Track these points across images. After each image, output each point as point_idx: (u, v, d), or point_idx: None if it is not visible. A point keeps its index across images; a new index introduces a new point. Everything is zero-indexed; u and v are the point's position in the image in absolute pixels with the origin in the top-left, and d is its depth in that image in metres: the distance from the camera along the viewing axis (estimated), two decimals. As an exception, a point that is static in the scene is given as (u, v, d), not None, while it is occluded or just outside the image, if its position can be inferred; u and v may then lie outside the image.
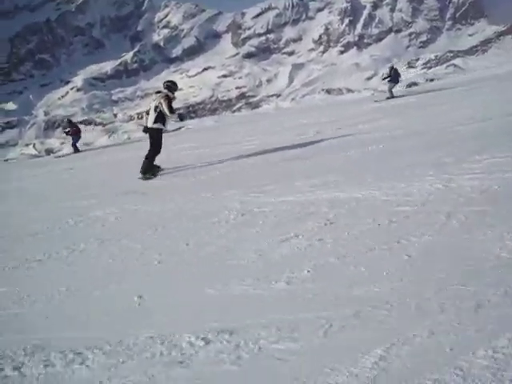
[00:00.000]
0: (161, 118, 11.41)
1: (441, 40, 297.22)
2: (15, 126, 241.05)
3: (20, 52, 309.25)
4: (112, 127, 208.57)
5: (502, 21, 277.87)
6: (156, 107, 11.39)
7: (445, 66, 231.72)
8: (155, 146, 11.61)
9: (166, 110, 11.24)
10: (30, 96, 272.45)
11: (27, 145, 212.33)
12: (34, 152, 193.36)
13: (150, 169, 11.52)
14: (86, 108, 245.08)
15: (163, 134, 12.00)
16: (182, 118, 12.51)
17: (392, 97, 29.19)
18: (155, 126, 11.51)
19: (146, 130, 11.83)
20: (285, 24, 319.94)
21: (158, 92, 11.80)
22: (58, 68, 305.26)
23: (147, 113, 11.76)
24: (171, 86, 11.89)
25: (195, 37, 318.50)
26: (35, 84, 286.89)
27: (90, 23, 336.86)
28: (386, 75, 31.91)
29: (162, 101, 11.33)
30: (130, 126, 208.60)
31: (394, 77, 30.74)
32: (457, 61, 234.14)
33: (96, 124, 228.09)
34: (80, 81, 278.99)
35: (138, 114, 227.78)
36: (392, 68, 31.83)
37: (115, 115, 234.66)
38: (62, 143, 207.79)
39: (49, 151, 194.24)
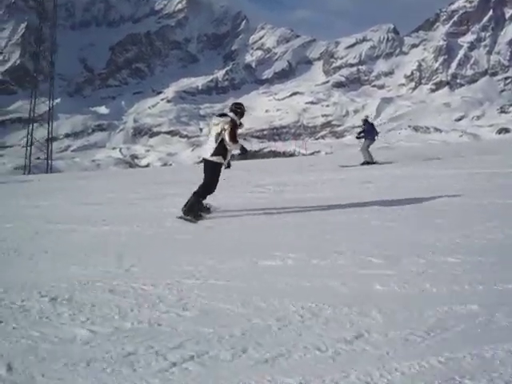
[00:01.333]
0: (222, 149, 9.16)
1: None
2: (105, 130, 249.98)
3: (118, 60, 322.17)
4: (196, 141, 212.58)
5: None
6: (218, 134, 9.14)
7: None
8: (209, 183, 9.29)
9: (228, 138, 9.05)
10: (122, 102, 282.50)
11: (114, 148, 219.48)
12: (120, 156, 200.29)
13: (194, 209, 9.19)
14: (173, 119, 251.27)
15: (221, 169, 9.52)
16: (244, 152, 9.64)
17: (370, 162, 22.13)
18: (214, 158, 9.22)
19: (203, 160, 9.58)
20: (377, 57, 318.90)
21: (223, 115, 9.40)
22: (152, 78, 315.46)
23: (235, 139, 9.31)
24: (238, 111, 9.50)
25: (287, 61, 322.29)
26: (128, 91, 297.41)
27: (187, 38, 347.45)
28: (361, 130, 23.59)
29: (225, 127, 9.06)
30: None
31: (368, 131, 23.01)
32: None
33: (181, 136, 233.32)
34: (171, 92, 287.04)
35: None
36: (366, 121, 23.68)
37: (201, 129, 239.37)
38: (147, 150, 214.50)
39: (133, 157, 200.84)
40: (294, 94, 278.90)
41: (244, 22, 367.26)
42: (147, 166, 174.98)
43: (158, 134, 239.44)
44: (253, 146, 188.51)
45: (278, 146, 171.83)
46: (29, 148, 72.66)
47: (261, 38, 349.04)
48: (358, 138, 23.77)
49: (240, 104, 9.76)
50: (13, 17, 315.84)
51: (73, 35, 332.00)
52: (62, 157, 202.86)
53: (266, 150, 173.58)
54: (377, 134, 23.42)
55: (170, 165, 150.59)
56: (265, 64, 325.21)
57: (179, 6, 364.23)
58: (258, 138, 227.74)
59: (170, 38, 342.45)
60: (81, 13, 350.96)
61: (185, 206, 9.13)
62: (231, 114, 9.30)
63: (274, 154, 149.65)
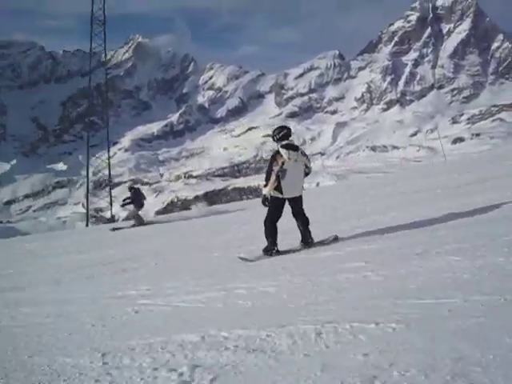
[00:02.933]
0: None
1: (484, 94, 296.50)
2: (65, 186, 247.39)
3: (71, 115, 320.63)
4: (158, 187, 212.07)
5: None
6: (305, 173, 8.87)
7: (490, 120, 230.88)
8: (304, 213, 8.97)
9: (311, 170, 9.07)
10: (79, 157, 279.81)
11: (76, 204, 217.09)
12: (83, 211, 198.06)
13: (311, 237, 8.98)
14: (133, 168, 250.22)
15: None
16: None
17: (139, 224, 22.70)
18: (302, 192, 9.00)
19: (289, 199, 8.88)
20: (327, 83, 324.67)
21: (293, 148, 8.72)
22: (106, 130, 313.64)
23: (267, 177, 8.69)
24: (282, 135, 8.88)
25: (239, 97, 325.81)
26: (84, 145, 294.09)
27: (137, 86, 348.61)
28: (127, 197, 23.68)
29: (306, 161, 8.87)
30: (177, 185, 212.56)
31: (135, 199, 23.26)
32: (502, 115, 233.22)
33: (143, 183, 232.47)
34: (127, 141, 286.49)
35: (185, 173, 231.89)
36: (132, 188, 23.96)
37: (161, 175, 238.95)
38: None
39: (97, 210, 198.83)
40: (250, 129, 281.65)
41: (192, 63, 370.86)
42: (112, 217, 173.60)
43: (119, 184, 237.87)
44: (217, 185, 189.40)
45: (242, 181, 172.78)
46: None
47: (211, 78, 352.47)
48: (122, 205, 24.13)
49: (280, 128, 9.04)
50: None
51: (22, 95, 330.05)
52: (24, 218, 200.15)
53: (229, 188, 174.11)
54: (144, 199, 24.02)
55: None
56: (217, 103, 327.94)
57: (126, 55, 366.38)
58: (219, 176, 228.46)
59: (120, 88, 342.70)
60: (28, 71, 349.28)
61: (309, 236, 8.91)
62: (295, 143, 8.96)
63: (239, 191, 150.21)
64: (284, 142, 8.66)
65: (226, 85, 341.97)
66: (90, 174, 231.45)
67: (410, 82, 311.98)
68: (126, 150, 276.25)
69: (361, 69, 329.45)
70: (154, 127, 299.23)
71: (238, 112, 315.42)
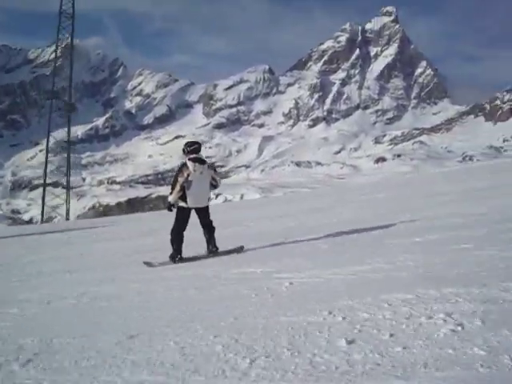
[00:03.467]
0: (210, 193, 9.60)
1: (407, 117, 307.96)
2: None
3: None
4: (80, 191, 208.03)
5: (464, 101, 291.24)
6: (210, 183, 9.32)
7: (411, 142, 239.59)
8: (210, 222, 9.51)
9: (219, 183, 9.49)
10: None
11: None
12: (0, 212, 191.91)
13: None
14: (54, 170, 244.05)
15: None
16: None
17: None
18: (209, 203, 9.67)
19: (192, 208, 9.37)
20: (256, 97, 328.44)
21: (200, 161, 9.18)
22: (29, 129, 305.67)
23: (172, 186, 9.22)
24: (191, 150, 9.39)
25: (167, 105, 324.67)
26: (4, 144, 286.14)
27: (64, 87, 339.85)
28: None
29: (213, 174, 9.36)
30: (100, 190, 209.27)
31: None
32: (423, 137, 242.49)
33: (63, 187, 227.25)
34: (50, 143, 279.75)
35: (108, 178, 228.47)
36: None
37: (84, 179, 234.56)
38: (29, 204, 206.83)
39: (15, 212, 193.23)
40: (176, 137, 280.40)
41: (121, 68, 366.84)
42: (30, 220, 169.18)
43: (38, 186, 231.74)
44: (140, 192, 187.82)
45: (166, 190, 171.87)
46: None
47: (139, 84, 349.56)
48: None
49: (191, 143, 9.45)
50: None
51: None
52: None
53: (153, 196, 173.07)
54: None
55: (55, 217, 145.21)
56: (145, 109, 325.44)
57: (54, 54, 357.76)
58: (143, 183, 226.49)
59: (45, 87, 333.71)
60: None
61: (214, 245, 9.40)
62: (203, 158, 9.36)
63: (163, 199, 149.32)
64: (192, 156, 9.05)
65: (154, 92, 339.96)
66: (9, 176, 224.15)
67: (336, 101, 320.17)
68: (49, 152, 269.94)
69: (290, 85, 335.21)
70: (79, 130, 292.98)
71: (165, 120, 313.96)
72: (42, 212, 69.21)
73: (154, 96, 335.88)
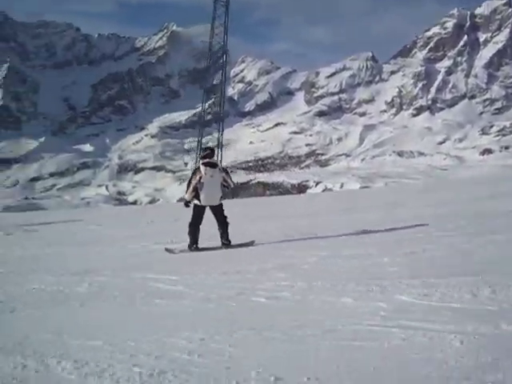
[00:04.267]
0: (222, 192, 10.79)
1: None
2: (90, 167, 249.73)
3: (101, 97, 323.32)
4: (182, 175, 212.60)
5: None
6: (221, 184, 10.59)
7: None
8: (224, 218, 10.72)
9: (232, 184, 10.90)
10: (107, 139, 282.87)
11: (100, 186, 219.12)
12: (106, 193, 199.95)
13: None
14: (158, 154, 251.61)
15: None
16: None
17: None
18: (221, 201, 10.86)
19: (206, 206, 10.81)
20: (358, 85, 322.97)
21: (211, 165, 10.57)
22: (135, 115, 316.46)
23: (196, 188, 10.59)
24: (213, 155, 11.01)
25: (269, 93, 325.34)
26: (112, 128, 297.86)
27: (168, 74, 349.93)
28: None
29: (225, 176, 10.71)
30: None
31: None
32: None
33: (167, 171, 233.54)
34: (154, 128, 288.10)
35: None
36: None
37: (186, 164, 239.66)
38: (134, 187, 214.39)
39: (121, 194, 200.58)
40: (277, 124, 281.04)
41: (225, 55, 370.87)
42: (135, 202, 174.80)
43: (143, 169, 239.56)
44: (240, 178, 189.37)
45: (266, 177, 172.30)
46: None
47: (242, 71, 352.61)
48: None
49: (204, 149, 11.03)
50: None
51: (55, 74, 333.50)
52: (48, 196, 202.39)
53: (253, 182, 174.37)
54: None
55: (158, 200, 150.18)
56: (246, 96, 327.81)
57: (160, 42, 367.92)
58: (243, 169, 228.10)
59: (151, 75, 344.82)
60: (62, 52, 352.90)
61: (226, 238, 10.67)
62: (217, 162, 11.10)
63: (263, 186, 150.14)
64: (205, 160, 10.52)
65: (256, 79, 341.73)
66: (116, 159, 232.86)
67: (441, 90, 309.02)
68: (153, 137, 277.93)
69: (393, 72, 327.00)
70: (182, 116, 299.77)
71: (266, 107, 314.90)
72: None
73: (255, 83, 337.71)
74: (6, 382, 3.68)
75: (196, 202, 10.64)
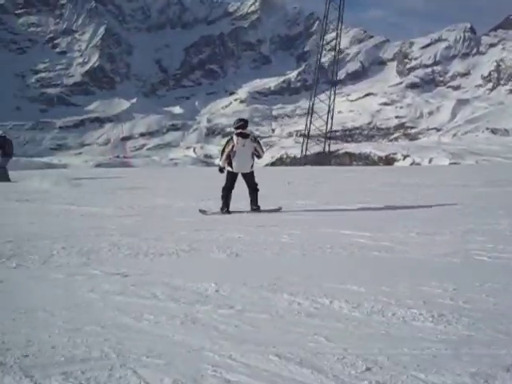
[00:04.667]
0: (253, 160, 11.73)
1: None
2: (179, 129, 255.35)
3: (192, 61, 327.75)
4: (269, 141, 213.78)
5: None
6: (252, 153, 11.52)
7: None
8: (255, 185, 11.68)
9: (262, 154, 11.82)
10: (196, 102, 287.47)
11: (188, 148, 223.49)
12: (194, 155, 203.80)
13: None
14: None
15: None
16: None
17: (5, 179, 20.26)
18: (253, 169, 11.73)
19: (238, 173, 11.75)
20: (453, 57, 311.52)
21: (244, 135, 11.49)
22: (225, 79, 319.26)
23: (229, 156, 11.52)
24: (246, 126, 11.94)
25: (360, 62, 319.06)
26: (202, 92, 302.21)
27: (259, 39, 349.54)
28: None
29: (256, 146, 11.64)
30: (288, 142, 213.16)
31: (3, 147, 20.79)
32: None
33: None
34: (244, 93, 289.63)
35: (297, 131, 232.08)
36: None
37: (273, 130, 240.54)
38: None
39: (207, 156, 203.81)
40: (367, 95, 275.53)
41: (317, 22, 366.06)
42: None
43: (231, 134, 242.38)
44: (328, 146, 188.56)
45: (353, 147, 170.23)
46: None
47: (333, 39, 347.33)
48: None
49: (238, 120, 11.94)
50: (93, 20, 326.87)
51: (148, 37, 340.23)
52: (137, 155, 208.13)
53: (341, 152, 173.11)
54: (12, 150, 21.22)
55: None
56: (337, 65, 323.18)
57: (252, 7, 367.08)
58: (330, 138, 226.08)
59: (242, 40, 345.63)
60: (156, 15, 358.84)
61: (255, 203, 11.69)
62: (249, 132, 11.85)
63: (349, 156, 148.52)
64: (238, 131, 11.42)
65: (348, 47, 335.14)
66: (205, 122, 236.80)
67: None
68: (242, 102, 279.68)
69: (492, 45, 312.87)
70: (272, 82, 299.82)
71: (357, 76, 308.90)
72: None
73: (347, 52, 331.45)
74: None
75: (229, 168, 11.60)
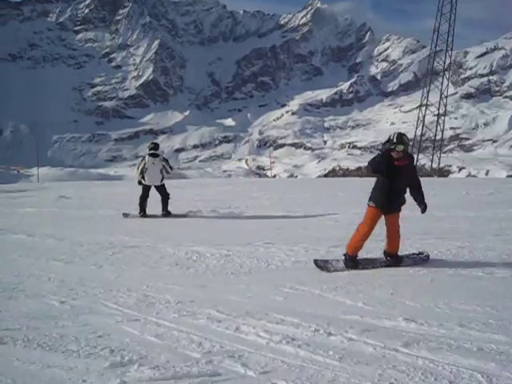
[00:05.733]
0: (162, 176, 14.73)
1: None
2: (231, 141, 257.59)
3: (244, 73, 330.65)
4: (321, 153, 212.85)
5: None
6: (161, 170, 14.58)
7: None
8: (166, 194, 14.67)
9: (170, 170, 14.82)
10: (248, 115, 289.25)
11: (240, 159, 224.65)
12: (246, 167, 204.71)
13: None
14: (298, 132, 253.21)
15: None
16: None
17: None
18: (163, 182, 14.73)
19: (149, 185, 14.68)
20: (510, 66, 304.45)
21: (154, 155, 14.60)
22: (277, 91, 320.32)
23: (142, 172, 14.59)
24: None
25: (413, 72, 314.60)
26: (254, 104, 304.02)
27: (311, 51, 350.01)
28: None
29: (164, 164, 14.67)
30: (340, 154, 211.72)
31: None
32: None
33: (306, 148, 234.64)
34: (295, 105, 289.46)
35: (349, 143, 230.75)
36: None
37: (325, 142, 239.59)
38: (273, 162, 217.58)
39: (259, 168, 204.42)
40: (421, 106, 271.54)
41: (368, 33, 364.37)
42: (274, 177, 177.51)
43: (282, 146, 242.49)
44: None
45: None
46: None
47: (386, 50, 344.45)
48: None
49: (157, 144, 15.45)
50: (147, 35, 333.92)
51: (201, 50, 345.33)
52: (191, 167, 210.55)
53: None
54: None
55: (296, 176, 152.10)
56: (390, 76, 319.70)
57: (304, 19, 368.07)
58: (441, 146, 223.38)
59: (294, 52, 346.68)
60: (209, 29, 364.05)
61: (166, 209, 14.60)
62: (159, 153, 14.88)
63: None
64: (150, 152, 14.61)
65: (401, 58, 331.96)
66: (257, 134, 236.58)
67: None
68: (293, 114, 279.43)
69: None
70: (324, 94, 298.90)
71: (410, 87, 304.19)
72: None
73: (400, 62, 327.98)
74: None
75: (143, 181, 14.63)
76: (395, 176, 7.35)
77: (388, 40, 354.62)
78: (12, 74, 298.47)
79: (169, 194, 14.55)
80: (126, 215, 14.43)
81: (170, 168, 14.74)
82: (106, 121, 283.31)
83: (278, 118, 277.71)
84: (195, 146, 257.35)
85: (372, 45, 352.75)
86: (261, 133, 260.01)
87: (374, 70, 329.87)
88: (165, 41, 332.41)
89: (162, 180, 14.53)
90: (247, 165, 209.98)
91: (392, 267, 7.47)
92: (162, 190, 14.57)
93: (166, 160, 14.78)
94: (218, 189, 25.22)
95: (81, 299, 6.14)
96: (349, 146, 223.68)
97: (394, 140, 7.38)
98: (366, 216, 7.49)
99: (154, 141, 16.53)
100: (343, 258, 7.53)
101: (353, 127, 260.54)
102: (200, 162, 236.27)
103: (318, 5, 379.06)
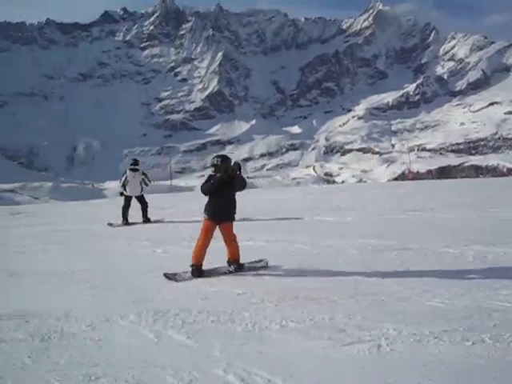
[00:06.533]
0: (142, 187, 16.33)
1: None
2: (297, 149, 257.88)
3: (308, 80, 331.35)
4: (390, 157, 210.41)
5: None
6: (140, 182, 16.15)
7: None
8: (145, 203, 16.17)
9: (148, 182, 16.46)
10: (314, 121, 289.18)
11: (307, 167, 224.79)
12: (314, 174, 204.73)
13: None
14: (365, 136, 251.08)
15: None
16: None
17: None
18: (142, 192, 16.29)
19: (130, 196, 16.10)
20: None
21: (134, 170, 16.11)
22: (342, 97, 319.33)
23: (124, 184, 16.11)
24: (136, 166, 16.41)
25: (482, 70, 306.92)
26: (319, 110, 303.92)
27: (375, 54, 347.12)
28: None
29: (143, 177, 16.25)
30: (409, 158, 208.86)
31: None
32: None
33: (373, 153, 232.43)
34: (361, 110, 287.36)
35: (418, 145, 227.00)
36: None
37: (393, 145, 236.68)
38: (341, 168, 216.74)
39: (328, 174, 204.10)
40: (491, 104, 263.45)
41: (433, 33, 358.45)
42: (342, 182, 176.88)
43: (349, 151, 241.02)
44: (451, 160, 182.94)
45: (478, 159, 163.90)
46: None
47: (452, 48, 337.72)
48: None
49: (132, 160, 16.89)
50: (211, 47, 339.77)
51: (264, 59, 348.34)
52: (258, 175, 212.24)
53: (465, 165, 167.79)
54: None
55: (365, 181, 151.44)
56: (457, 75, 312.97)
57: (366, 23, 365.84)
58: (453, 152, 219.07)
59: (357, 56, 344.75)
60: (271, 38, 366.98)
61: (145, 216, 16.04)
62: (139, 168, 16.29)
63: (476, 169, 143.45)
64: (132, 167, 16.11)
65: (468, 56, 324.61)
66: (323, 140, 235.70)
67: None
68: (360, 118, 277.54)
69: None
70: (389, 97, 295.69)
71: (479, 85, 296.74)
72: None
73: (467, 60, 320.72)
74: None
75: (125, 192, 16.10)
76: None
77: (454, 38, 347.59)
78: (83, 93, 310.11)
79: (147, 203, 16.15)
80: (110, 225, 15.57)
81: (149, 181, 16.54)
82: (174, 133, 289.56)
83: (344, 124, 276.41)
84: (262, 155, 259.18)
85: (437, 44, 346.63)
86: (327, 139, 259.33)
87: (441, 69, 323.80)
88: (228, 52, 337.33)
89: (141, 191, 16.25)
90: (315, 171, 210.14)
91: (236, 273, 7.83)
92: (141, 199, 16.17)
93: (144, 174, 16.52)
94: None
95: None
96: (418, 149, 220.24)
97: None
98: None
99: (135, 157, 18.01)
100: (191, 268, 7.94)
101: (421, 129, 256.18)
102: (267, 170, 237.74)
103: (380, 7, 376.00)
